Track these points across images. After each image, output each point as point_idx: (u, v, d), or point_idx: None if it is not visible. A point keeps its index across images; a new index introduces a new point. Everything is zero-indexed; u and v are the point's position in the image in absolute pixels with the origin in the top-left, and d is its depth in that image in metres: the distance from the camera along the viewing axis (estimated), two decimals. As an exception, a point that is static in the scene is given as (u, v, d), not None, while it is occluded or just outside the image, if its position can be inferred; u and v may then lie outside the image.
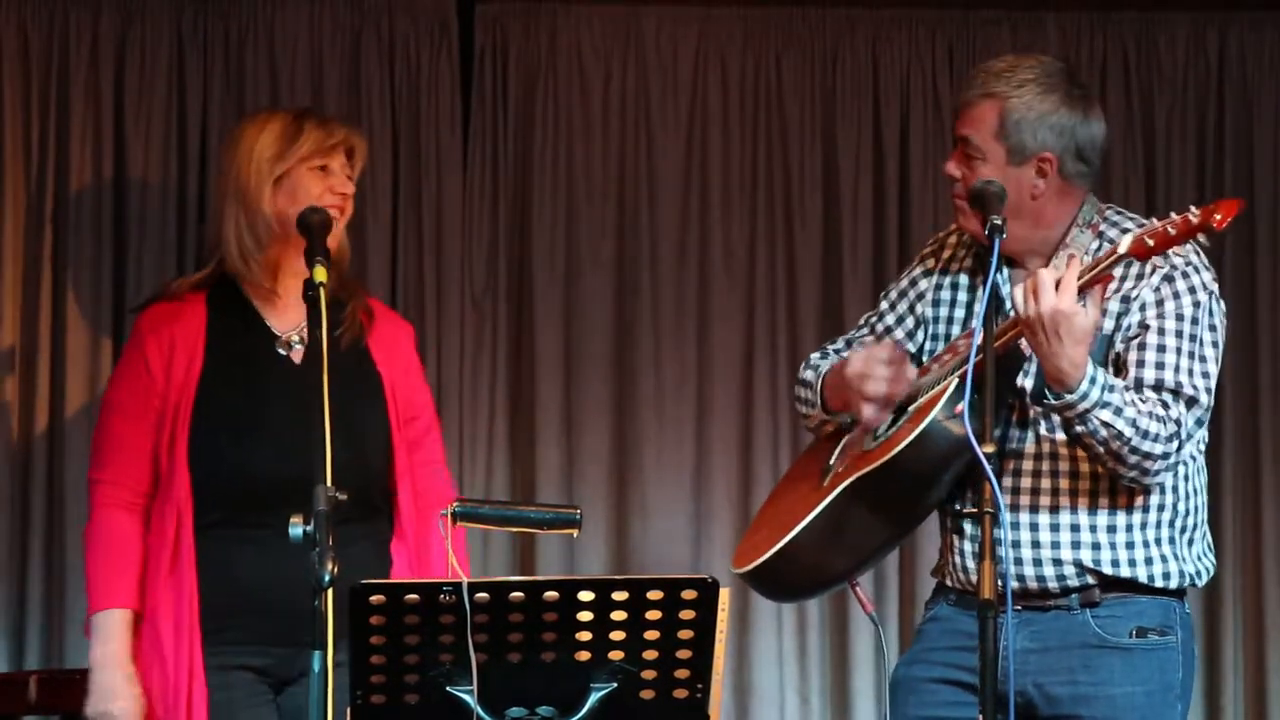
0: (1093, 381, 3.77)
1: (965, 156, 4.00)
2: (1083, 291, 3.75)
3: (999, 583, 3.54)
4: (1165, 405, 3.87)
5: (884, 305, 4.27)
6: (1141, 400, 3.86)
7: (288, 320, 4.36)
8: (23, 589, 5.44)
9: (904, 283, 4.25)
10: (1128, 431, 3.80)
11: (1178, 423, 3.86)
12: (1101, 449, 3.82)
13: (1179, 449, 3.88)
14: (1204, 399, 3.91)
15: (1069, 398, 3.77)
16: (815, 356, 4.29)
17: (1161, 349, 3.90)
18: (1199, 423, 3.92)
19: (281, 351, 4.34)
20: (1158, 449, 3.84)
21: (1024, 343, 3.91)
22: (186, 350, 4.28)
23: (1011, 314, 3.90)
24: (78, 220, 5.49)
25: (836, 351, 4.29)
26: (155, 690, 4.21)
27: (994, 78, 3.99)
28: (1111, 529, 3.96)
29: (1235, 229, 5.69)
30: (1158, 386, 3.88)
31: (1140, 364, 3.89)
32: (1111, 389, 3.80)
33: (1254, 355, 5.74)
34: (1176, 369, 3.89)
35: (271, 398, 4.27)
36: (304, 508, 3.98)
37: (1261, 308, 5.75)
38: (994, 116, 3.96)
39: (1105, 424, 3.79)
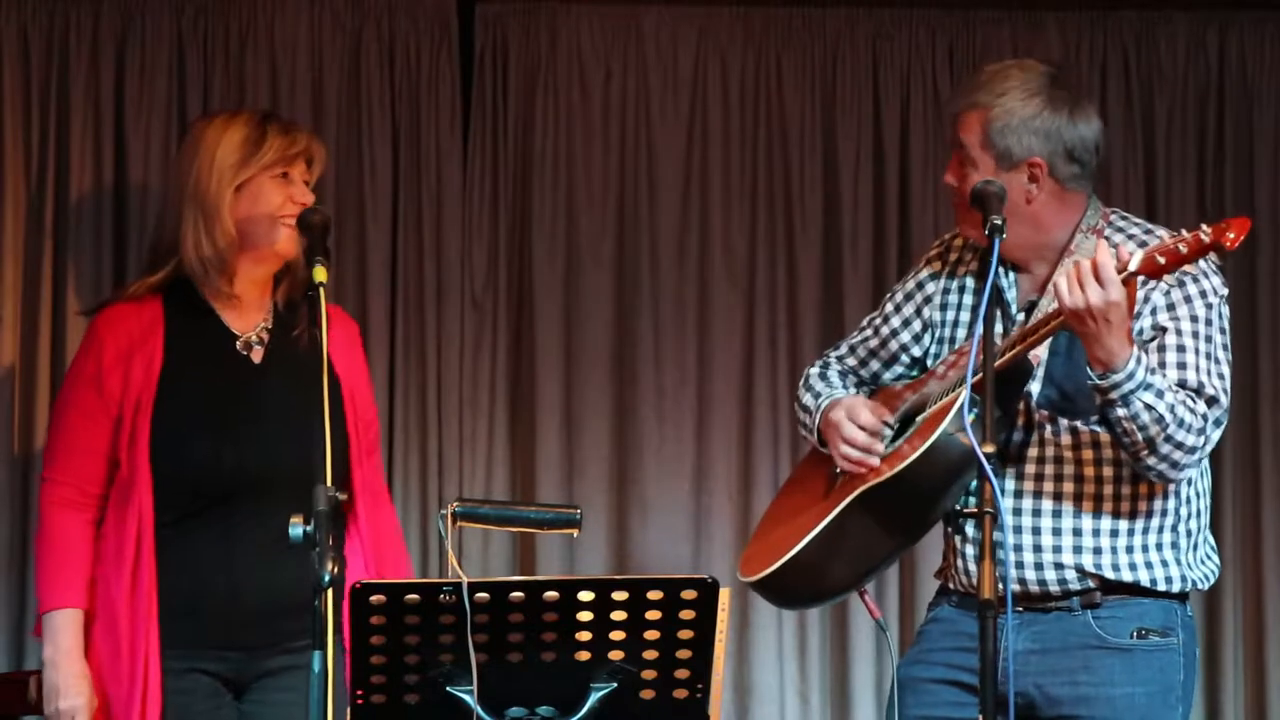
0: (1138, 361, 3.78)
1: (959, 163, 4.02)
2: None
3: (999, 584, 3.54)
4: (1193, 401, 3.87)
5: (889, 308, 4.26)
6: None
7: (247, 321, 4.35)
8: (23, 589, 5.43)
9: (910, 285, 4.24)
10: (1167, 416, 3.80)
11: (1204, 418, 3.87)
12: (1140, 434, 3.81)
13: (1205, 445, 3.88)
14: (1224, 399, 3.91)
15: (1115, 377, 3.77)
16: (814, 374, 4.28)
17: (1181, 349, 3.90)
18: (1217, 423, 3.92)
19: (242, 352, 4.33)
20: (1189, 440, 3.84)
21: (1033, 352, 3.92)
22: (145, 351, 4.26)
23: (1019, 317, 3.92)
24: (78, 220, 5.48)
25: (839, 359, 4.29)
26: (109, 690, 4.20)
27: (976, 88, 4.03)
28: (1114, 533, 3.96)
29: (1235, 229, 5.73)
30: (1180, 386, 3.88)
31: (1161, 365, 3.89)
32: (1154, 371, 3.81)
33: (1254, 355, 5.73)
34: (1198, 369, 3.90)
35: (233, 397, 4.26)
36: (265, 505, 4.01)
37: (1261, 308, 5.74)
38: (979, 126, 3.99)
39: (1148, 406, 3.78)
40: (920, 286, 4.22)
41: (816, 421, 4.16)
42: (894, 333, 4.22)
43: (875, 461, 4.02)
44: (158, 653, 4.16)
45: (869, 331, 4.28)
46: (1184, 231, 3.76)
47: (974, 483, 3.97)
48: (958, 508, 3.98)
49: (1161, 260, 3.74)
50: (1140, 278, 3.77)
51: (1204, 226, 3.72)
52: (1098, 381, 3.79)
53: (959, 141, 4.02)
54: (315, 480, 4.04)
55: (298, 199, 4.29)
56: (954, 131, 4.05)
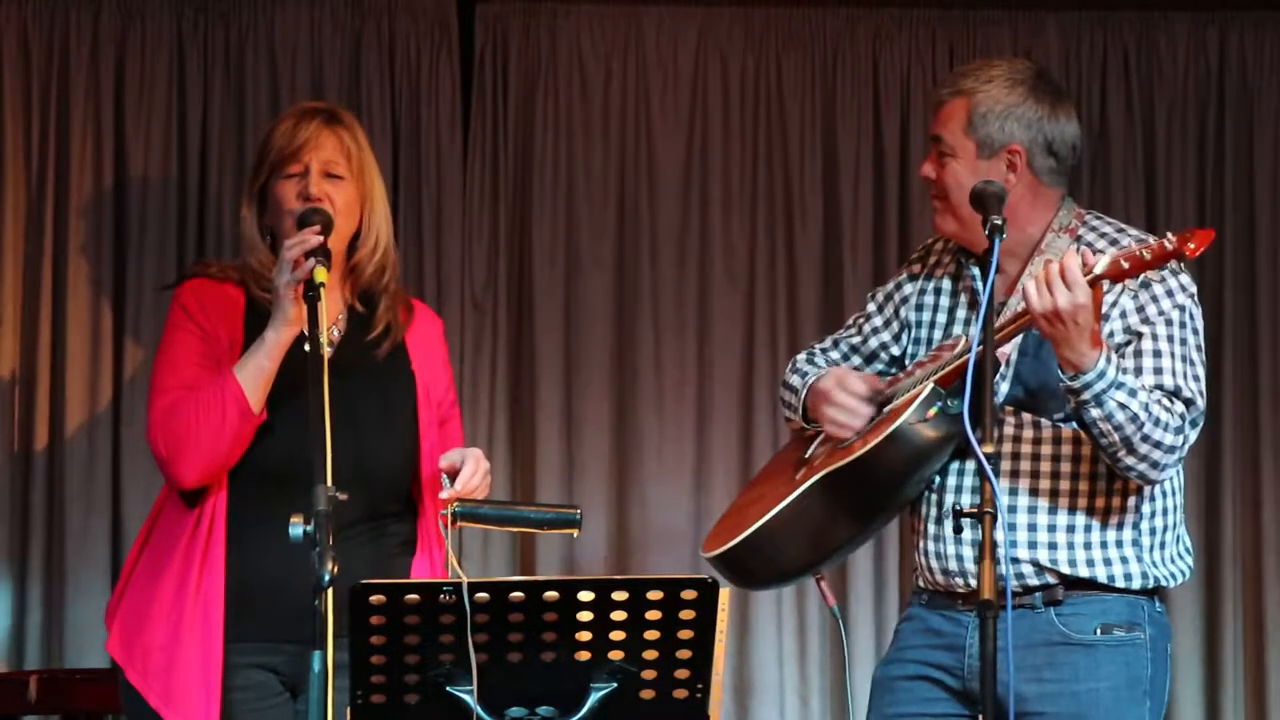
0: (1109, 360, 3.80)
1: (938, 156, 4.05)
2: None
3: (994, 583, 3.54)
4: (1169, 401, 3.89)
5: (871, 307, 4.31)
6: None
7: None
8: (23, 589, 5.44)
9: (890, 286, 4.30)
10: (1141, 414, 3.82)
11: (1182, 418, 3.89)
12: (1115, 434, 3.83)
13: (1184, 444, 3.90)
14: (1199, 401, 3.94)
15: (1087, 377, 3.79)
16: (801, 360, 4.31)
17: (1157, 354, 3.93)
18: (1195, 424, 3.95)
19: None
20: (1167, 439, 3.85)
21: (1001, 350, 3.95)
22: (228, 330, 4.22)
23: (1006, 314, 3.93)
24: (78, 220, 5.49)
25: (823, 351, 4.32)
26: (172, 678, 4.14)
27: (962, 76, 4.08)
28: (1071, 529, 3.97)
29: (1236, 230, 5.73)
30: (1157, 390, 3.90)
31: (1138, 371, 3.91)
32: (1125, 370, 3.83)
33: (1254, 355, 5.74)
34: (1173, 373, 3.92)
35: (297, 394, 4.21)
36: (335, 502, 3.96)
37: (1261, 308, 5.75)
38: (962, 112, 4.03)
39: (1121, 405, 3.80)
40: (899, 287, 4.27)
41: (803, 396, 4.18)
42: (874, 330, 4.27)
43: (858, 424, 4.05)
44: (221, 644, 4.13)
45: (853, 329, 4.32)
46: (1150, 238, 3.81)
47: (938, 477, 4.03)
48: (957, 507, 3.99)
49: (1125, 265, 3.77)
50: (1106, 281, 3.79)
51: (1169, 235, 3.77)
52: (1069, 383, 3.81)
53: (939, 130, 4.06)
54: (375, 477, 4.06)
55: (301, 194, 4.21)
56: (935, 121, 4.09)
